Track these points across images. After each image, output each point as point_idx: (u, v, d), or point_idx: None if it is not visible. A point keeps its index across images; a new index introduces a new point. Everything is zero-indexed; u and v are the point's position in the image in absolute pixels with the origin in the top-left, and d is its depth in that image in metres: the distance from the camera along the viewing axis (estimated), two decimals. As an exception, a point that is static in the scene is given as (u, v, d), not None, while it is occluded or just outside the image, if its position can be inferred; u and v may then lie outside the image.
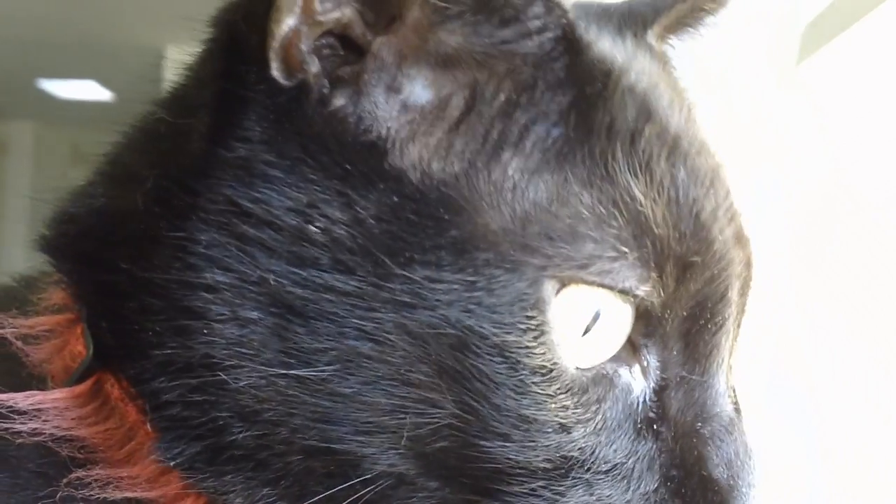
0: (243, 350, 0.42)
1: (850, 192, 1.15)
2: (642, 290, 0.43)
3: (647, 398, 0.45)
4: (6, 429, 0.45)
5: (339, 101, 0.43)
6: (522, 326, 0.41)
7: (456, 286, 0.41)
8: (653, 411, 0.45)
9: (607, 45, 0.48)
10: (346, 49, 0.44)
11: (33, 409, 0.45)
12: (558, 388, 0.42)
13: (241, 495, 0.44)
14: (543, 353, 0.42)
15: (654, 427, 0.45)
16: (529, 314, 0.41)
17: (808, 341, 1.18)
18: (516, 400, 0.41)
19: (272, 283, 0.41)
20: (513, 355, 0.41)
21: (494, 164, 0.42)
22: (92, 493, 0.44)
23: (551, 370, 0.42)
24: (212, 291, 0.42)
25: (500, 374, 0.41)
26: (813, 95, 1.14)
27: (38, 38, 3.23)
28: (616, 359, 0.45)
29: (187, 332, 0.42)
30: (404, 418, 0.41)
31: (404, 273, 0.41)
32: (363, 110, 0.43)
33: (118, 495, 0.44)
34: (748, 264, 0.49)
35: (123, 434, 0.46)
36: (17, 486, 0.46)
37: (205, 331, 0.42)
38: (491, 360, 0.41)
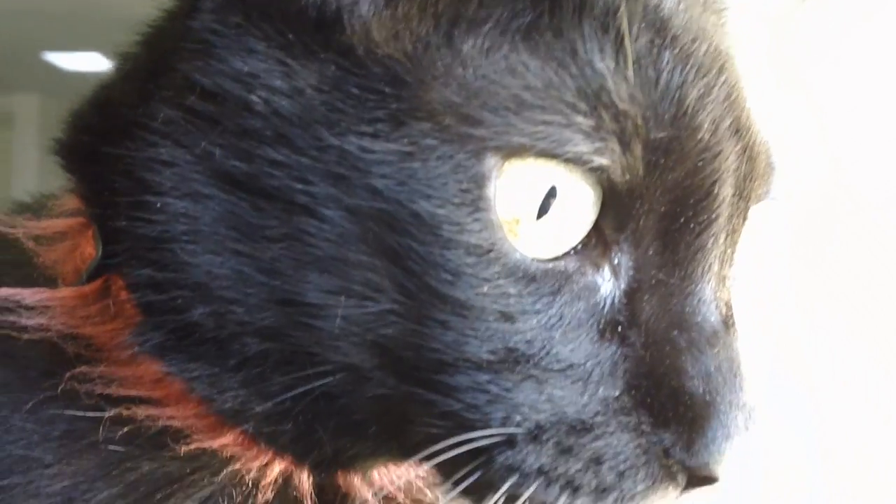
0: (197, 226, 0.42)
1: (850, 192, 1.15)
2: (597, 161, 0.39)
3: (616, 299, 0.42)
4: (12, 323, 0.45)
5: None
6: (457, 201, 0.39)
7: (391, 157, 0.39)
8: (621, 314, 0.42)
9: None
10: None
11: (40, 306, 0.46)
12: (497, 272, 0.39)
13: (206, 382, 0.44)
14: (480, 232, 0.39)
15: (621, 331, 0.42)
16: (465, 187, 0.39)
17: (808, 341, 1.18)
18: (451, 282, 0.39)
19: (218, 157, 0.41)
20: (445, 232, 0.39)
21: (447, 43, 0.40)
22: (95, 388, 0.45)
23: (489, 251, 0.39)
24: (166, 167, 0.42)
25: (433, 252, 0.39)
26: (813, 95, 1.14)
27: (43, 10, 3.24)
28: (583, 255, 0.41)
29: (146, 207, 0.43)
30: (347, 301, 0.40)
31: (341, 144, 0.40)
32: None
33: (121, 392, 0.45)
34: (750, 157, 0.45)
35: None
36: (25, 386, 0.46)
37: (159, 205, 0.42)
38: (424, 238, 0.39)
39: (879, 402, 1.14)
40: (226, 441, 0.46)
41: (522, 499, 0.41)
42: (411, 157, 0.39)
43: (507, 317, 0.40)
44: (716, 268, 0.44)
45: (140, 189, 0.43)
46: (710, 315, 0.43)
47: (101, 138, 0.46)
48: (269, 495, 0.47)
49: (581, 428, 0.41)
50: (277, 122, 0.41)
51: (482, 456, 0.41)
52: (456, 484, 0.42)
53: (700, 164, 0.41)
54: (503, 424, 0.40)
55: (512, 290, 0.40)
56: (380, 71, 0.40)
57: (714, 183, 0.42)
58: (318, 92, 0.41)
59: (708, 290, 0.43)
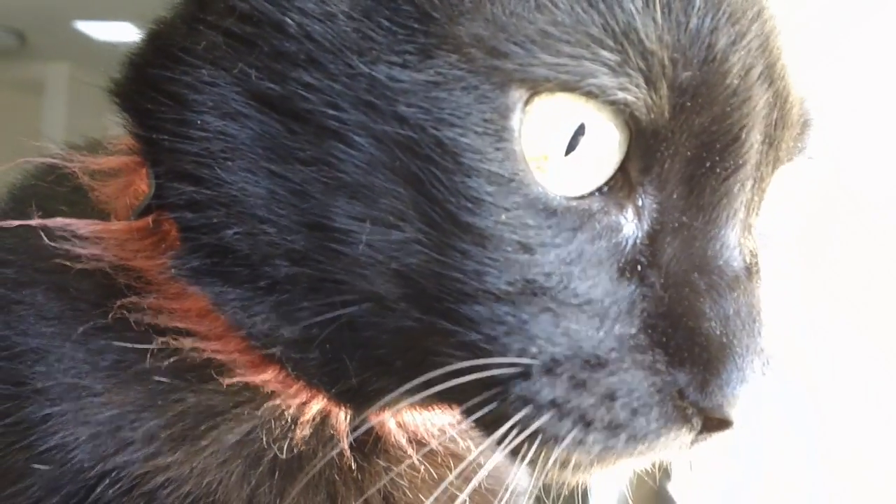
0: (234, 144, 0.43)
1: (850, 192, 1.15)
2: (621, 95, 0.40)
3: (638, 240, 0.43)
4: (67, 251, 0.47)
5: None
6: (479, 130, 0.40)
7: (418, 86, 0.40)
8: (642, 255, 0.42)
9: None
10: None
11: (94, 236, 0.47)
12: (517, 202, 0.40)
13: (238, 305, 0.45)
14: (501, 161, 0.40)
15: (641, 271, 0.42)
16: (488, 117, 0.40)
17: (808, 341, 1.18)
18: (471, 210, 0.40)
19: (254, 78, 0.43)
20: (467, 160, 0.40)
21: None
22: (144, 317, 0.46)
23: (510, 181, 0.40)
24: (207, 87, 0.44)
25: (455, 180, 0.40)
26: (813, 95, 1.14)
27: (76, -21, 3.27)
28: (608, 196, 0.42)
29: (188, 125, 0.44)
30: (373, 228, 0.41)
31: (370, 72, 0.41)
32: None
33: (169, 324, 0.46)
34: (781, 106, 0.45)
35: None
36: (76, 316, 0.47)
37: (199, 122, 0.44)
38: (447, 165, 0.40)
39: (879, 402, 1.14)
40: (267, 377, 0.47)
41: (532, 429, 0.41)
42: (438, 87, 0.40)
43: (526, 248, 0.41)
44: (741, 214, 0.44)
45: (183, 108, 0.44)
46: (733, 260, 0.44)
47: (153, 73, 0.47)
48: (307, 432, 0.48)
49: (596, 363, 0.41)
50: (310, 46, 0.42)
51: (498, 386, 0.41)
52: (470, 413, 0.42)
53: (728, 109, 0.42)
54: (520, 356, 0.41)
55: (531, 222, 0.41)
56: (409, 8, 0.41)
57: (742, 129, 0.42)
58: (350, 19, 0.42)
59: (732, 235, 0.44)
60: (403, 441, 0.51)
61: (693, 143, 0.42)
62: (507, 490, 0.51)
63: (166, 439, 0.46)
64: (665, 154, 0.42)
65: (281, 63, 0.42)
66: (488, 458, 0.54)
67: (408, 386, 0.43)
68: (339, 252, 0.42)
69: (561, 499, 0.51)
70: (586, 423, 0.41)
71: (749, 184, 0.44)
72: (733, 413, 0.42)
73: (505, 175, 0.40)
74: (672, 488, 1.42)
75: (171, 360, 0.46)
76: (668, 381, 0.42)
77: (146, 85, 0.48)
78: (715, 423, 0.43)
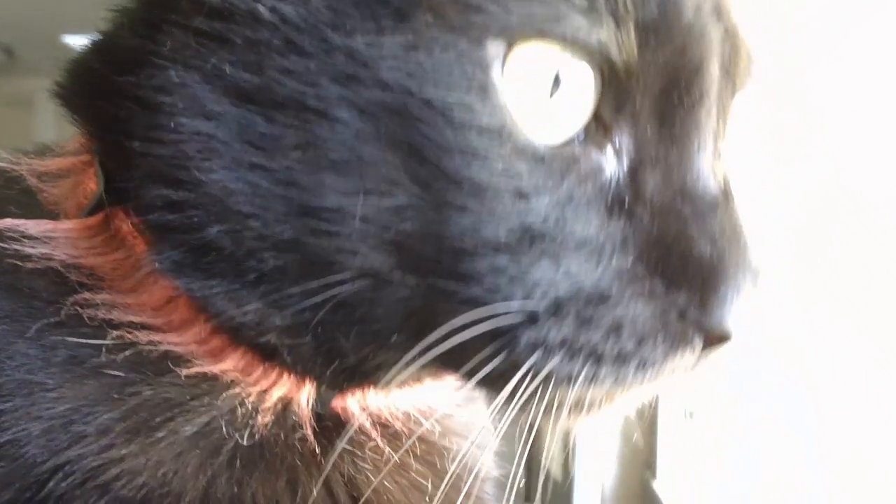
0: (211, 144, 0.43)
1: (850, 192, 1.15)
2: (594, 36, 0.41)
3: (620, 178, 0.44)
4: (16, 251, 0.46)
5: None
6: (464, 85, 0.41)
7: (398, 50, 0.41)
8: (626, 191, 0.44)
9: None
10: None
11: (44, 236, 0.47)
12: (508, 152, 0.41)
13: (226, 297, 0.45)
14: (490, 113, 0.41)
15: (628, 206, 0.44)
16: (471, 73, 0.41)
17: (808, 341, 1.18)
18: (466, 165, 0.41)
19: (229, 73, 0.42)
20: (456, 116, 0.41)
21: None
22: (98, 313, 0.46)
23: (500, 132, 0.41)
24: (178, 88, 0.43)
25: (446, 138, 0.41)
26: (813, 95, 1.14)
27: (63, -7, 3.27)
28: (586, 140, 0.43)
29: (160, 129, 0.44)
30: (366, 200, 0.41)
31: (347, 44, 0.41)
32: None
33: (124, 318, 0.46)
34: (731, 38, 0.47)
35: (131, 265, 0.47)
36: (28, 314, 0.47)
37: (173, 125, 0.43)
38: (436, 125, 0.41)
39: (879, 402, 1.14)
40: (227, 366, 0.47)
41: (545, 372, 0.42)
42: (416, 49, 0.41)
43: (521, 195, 0.42)
44: (710, 142, 0.46)
45: (152, 112, 0.44)
46: (710, 185, 0.45)
47: (103, 78, 0.47)
48: (269, 419, 0.48)
49: (599, 298, 0.43)
50: (285, 30, 0.42)
51: (504, 336, 0.42)
52: (474, 373, 0.43)
53: (688, 42, 0.44)
54: (524, 302, 0.42)
55: (524, 169, 0.42)
56: None
57: (702, 60, 0.45)
58: None
59: (705, 162, 0.46)
60: (367, 424, 0.51)
61: (659, 78, 0.44)
62: (472, 475, 0.52)
63: (121, 432, 0.45)
64: (636, 91, 0.43)
65: (255, 52, 0.42)
66: (455, 442, 0.54)
67: (413, 352, 0.43)
68: (331, 233, 0.42)
69: (547, 500, 0.51)
70: (597, 358, 0.43)
71: (714, 112, 0.46)
72: (733, 326, 0.43)
73: (494, 126, 0.41)
74: (658, 486, 1.42)
75: (127, 353, 0.46)
76: (668, 305, 0.43)
77: (96, 92, 0.48)
78: (714, 339, 0.44)
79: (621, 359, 0.43)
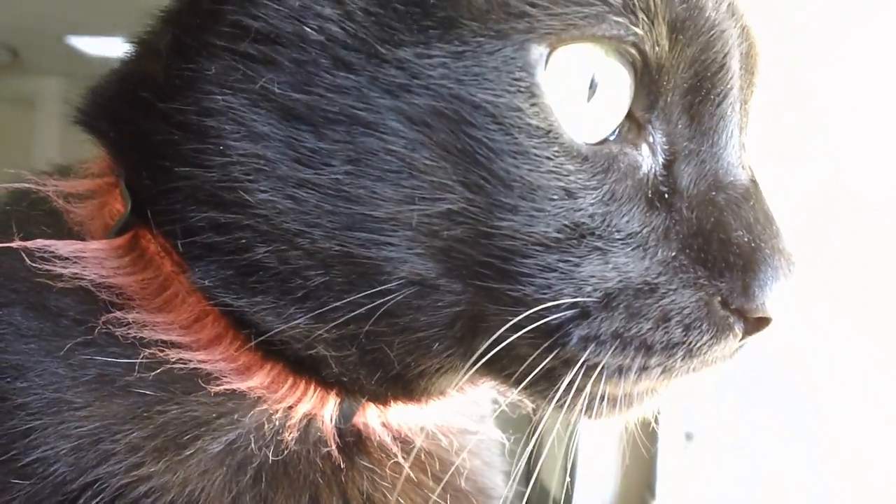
0: (258, 164, 0.44)
1: (850, 192, 1.15)
2: (632, 31, 0.43)
3: (657, 173, 0.46)
4: (48, 270, 0.47)
5: None
6: (512, 89, 0.42)
7: (445, 59, 0.42)
8: (664, 185, 0.46)
9: None
10: None
11: (74, 256, 0.48)
12: (556, 151, 0.43)
13: (272, 314, 0.46)
14: (537, 114, 0.42)
15: (667, 199, 0.46)
16: (517, 76, 0.42)
17: (808, 341, 1.18)
18: (516, 165, 0.42)
19: (277, 94, 0.43)
20: (506, 119, 0.42)
21: None
22: (129, 332, 0.46)
23: (547, 132, 0.42)
24: (224, 112, 0.44)
25: (497, 140, 0.42)
26: (813, 95, 1.14)
27: (68, -6, 3.26)
28: (622, 139, 0.45)
29: (206, 153, 0.44)
30: (418, 207, 0.42)
31: (396, 56, 0.42)
32: None
33: (154, 337, 0.46)
34: (746, 36, 0.49)
35: (159, 284, 0.48)
36: (57, 333, 0.47)
37: (221, 148, 0.44)
38: (486, 128, 0.42)
39: (879, 402, 1.14)
40: (254, 384, 0.47)
41: (600, 366, 0.43)
42: (464, 56, 0.42)
43: (570, 193, 0.43)
44: (736, 134, 0.48)
45: (197, 136, 0.44)
46: (740, 175, 0.47)
47: (129, 104, 0.48)
48: (294, 436, 0.48)
49: (647, 290, 0.44)
50: (332, 47, 0.43)
51: (556, 333, 0.43)
52: (524, 377, 0.44)
53: (712, 39, 0.46)
54: (574, 298, 0.43)
55: (571, 167, 0.43)
56: None
57: (725, 56, 0.46)
58: (367, 14, 0.43)
59: (734, 153, 0.47)
60: (388, 440, 0.51)
61: (688, 74, 0.45)
62: (485, 494, 0.53)
63: (150, 450, 0.46)
64: (666, 88, 0.45)
65: (303, 72, 0.43)
66: (469, 460, 0.55)
67: (473, 357, 0.44)
68: (380, 243, 0.43)
69: None
70: (647, 348, 0.44)
71: (738, 106, 0.48)
72: (774, 309, 0.45)
73: (543, 127, 0.42)
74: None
75: (157, 371, 0.46)
76: (712, 292, 0.45)
77: (122, 117, 0.48)
78: (754, 323, 0.45)
79: (670, 347, 0.44)
